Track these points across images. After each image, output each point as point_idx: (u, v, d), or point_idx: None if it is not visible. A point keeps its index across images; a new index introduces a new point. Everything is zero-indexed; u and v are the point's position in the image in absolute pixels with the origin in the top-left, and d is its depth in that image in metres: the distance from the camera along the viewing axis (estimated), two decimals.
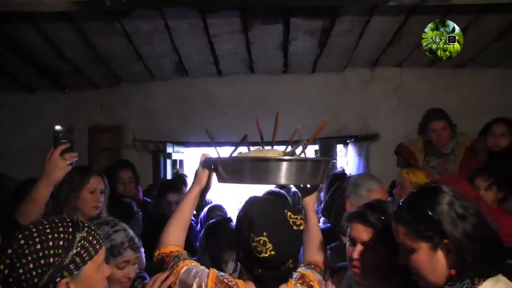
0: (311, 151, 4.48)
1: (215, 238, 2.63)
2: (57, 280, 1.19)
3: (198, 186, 1.75)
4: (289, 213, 1.59)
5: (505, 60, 3.91)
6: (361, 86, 4.20)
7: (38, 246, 1.18)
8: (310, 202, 1.83)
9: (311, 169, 1.64)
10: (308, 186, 1.82)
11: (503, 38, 3.40)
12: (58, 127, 1.86)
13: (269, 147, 1.75)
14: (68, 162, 1.85)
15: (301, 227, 1.60)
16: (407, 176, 2.84)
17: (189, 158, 4.92)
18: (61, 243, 1.20)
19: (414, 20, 3.09)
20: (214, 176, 1.77)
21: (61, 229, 1.23)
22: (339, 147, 4.87)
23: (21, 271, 1.16)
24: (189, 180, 3.47)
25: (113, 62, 3.76)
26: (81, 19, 2.98)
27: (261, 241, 1.51)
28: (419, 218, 1.35)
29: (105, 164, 3.83)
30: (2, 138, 4.10)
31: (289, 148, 1.68)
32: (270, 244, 1.51)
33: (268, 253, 1.51)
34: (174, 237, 1.70)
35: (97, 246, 1.28)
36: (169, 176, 4.46)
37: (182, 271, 1.60)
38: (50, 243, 1.19)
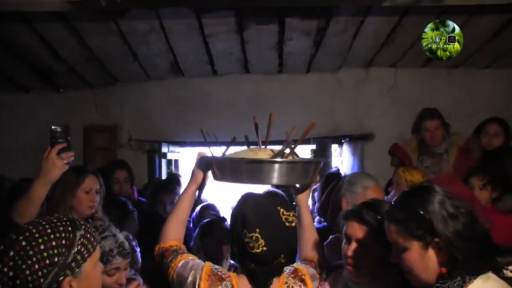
0: (307, 151, 4.49)
1: (209, 238, 2.66)
2: (60, 279, 1.20)
3: (195, 184, 1.81)
4: (282, 210, 1.63)
5: (498, 60, 3.93)
6: (356, 86, 4.20)
7: (42, 247, 1.19)
8: (303, 199, 1.85)
9: (301, 170, 1.67)
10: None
11: (497, 39, 3.41)
12: (55, 127, 1.87)
13: (263, 147, 1.78)
14: (65, 161, 1.86)
15: (293, 224, 1.64)
16: (403, 175, 2.88)
17: (184, 158, 4.91)
18: (63, 242, 1.22)
19: (408, 20, 3.10)
20: (209, 174, 1.81)
21: (61, 228, 1.24)
22: (334, 147, 4.89)
23: (27, 272, 1.17)
24: (183, 180, 3.50)
25: (108, 62, 3.75)
26: (76, 19, 2.97)
27: (254, 237, 1.55)
28: (411, 217, 1.37)
29: (101, 164, 3.82)
30: None
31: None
32: (263, 240, 1.55)
33: (260, 249, 1.55)
34: (173, 233, 1.77)
35: (95, 243, 1.31)
36: (164, 175, 4.46)
37: (179, 264, 1.67)
38: (53, 243, 1.20)
